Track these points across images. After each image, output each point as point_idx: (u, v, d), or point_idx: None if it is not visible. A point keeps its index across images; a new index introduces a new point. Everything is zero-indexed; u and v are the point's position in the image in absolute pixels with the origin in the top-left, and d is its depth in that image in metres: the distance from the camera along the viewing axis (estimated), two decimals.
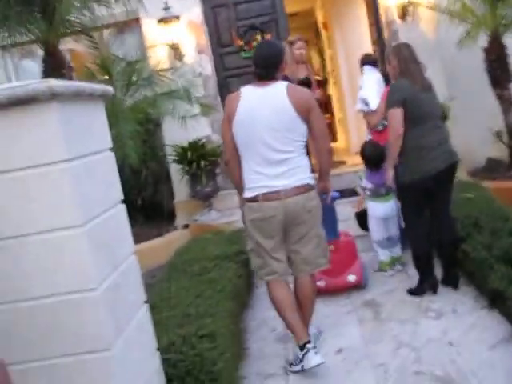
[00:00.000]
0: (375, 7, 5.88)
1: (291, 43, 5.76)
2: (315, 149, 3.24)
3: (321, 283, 3.97)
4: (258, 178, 3.01)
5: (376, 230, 4.54)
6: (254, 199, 3.04)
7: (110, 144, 2.26)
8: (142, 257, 2.48)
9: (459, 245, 3.97)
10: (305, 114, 2.99)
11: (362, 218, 4.67)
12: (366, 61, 5.33)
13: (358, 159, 5.52)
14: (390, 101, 3.76)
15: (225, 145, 3.22)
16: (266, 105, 2.97)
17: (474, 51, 5.96)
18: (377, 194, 4.48)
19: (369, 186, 4.48)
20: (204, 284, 3.70)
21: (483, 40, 6.02)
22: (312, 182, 3.12)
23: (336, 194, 3.75)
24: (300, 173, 3.03)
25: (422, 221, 3.96)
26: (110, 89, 2.27)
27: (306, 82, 5.65)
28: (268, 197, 2.98)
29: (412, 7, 6.45)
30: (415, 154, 3.72)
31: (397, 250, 4.60)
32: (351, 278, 4.13)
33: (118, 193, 2.28)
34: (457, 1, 6.02)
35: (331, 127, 10.59)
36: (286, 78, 5.52)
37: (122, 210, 2.28)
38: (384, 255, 4.56)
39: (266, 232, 3.04)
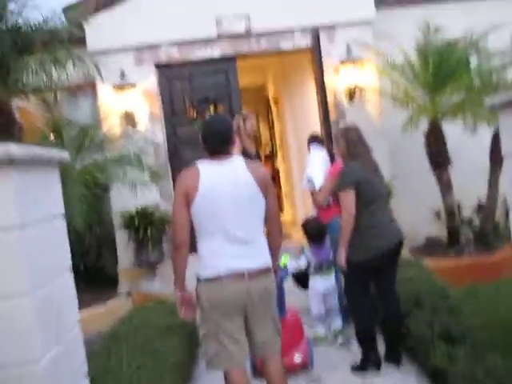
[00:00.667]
0: (322, 89, 6.17)
1: (244, 118, 5.91)
2: (267, 228, 3.09)
3: None
4: (221, 258, 2.85)
5: (316, 305, 4.63)
6: (215, 279, 2.85)
7: (62, 210, 2.24)
8: (81, 324, 2.40)
9: (403, 321, 4.04)
10: (264, 190, 2.93)
11: (300, 278, 4.71)
12: (313, 140, 5.46)
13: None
14: (342, 183, 3.88)
15: (177, 227, 2.88)
16: (228, 181, 2.87)
17: (416, 134, 6.33)
18: (319, 269, 4.59)
19: (303, 262, 4.58)
20: (146, 355, 3.59)
21: (425, 125, 6.41)
22: (271, 263, 3.01)
23: (284, 273, 3.78)
24: (263, 254, 2.95)
25: (367, 298, 4.03)
26: (66, 156, 2.26)
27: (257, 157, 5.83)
28: (230, 277, 2.83)
29: (359, 91, 6.81)
30: (368, 233, 3.83)
31: (337, 323, 4.67)
32: (298, 358, 4.04)
33: (66, 260, 2.24)
34: (399, 88, 6.43)
35: (278, 200, 10.80)
36: (244, 152, 5.74)
37: (69, 277, 2.23)
38: (322, 329, 4.63)
39: (225, 314, 2.86)
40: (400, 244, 3.96)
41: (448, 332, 3.67)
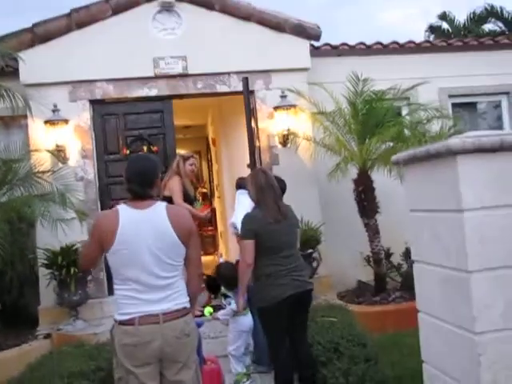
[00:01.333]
0: (250, 133, 6.26)
1: (185, 158, 5.93)
2: (187, 275, 3.05)
3: None
4: (136, 304, 2.80)
5: (236, 344, 4.63)
6: (128, 322, 2.77)
7: None
8: None
9: (315, 371, 4.00)
10: (185, 238, 2.90)
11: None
12: (240, 185, 5.44)
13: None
14: (242, 231, 3.88)
15: (85, 259, 3.04)
16: (147, 229, 2.82)
17: (346, 180, 6.47)
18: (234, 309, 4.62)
19: (234, 305, 4.54)
20: None
21: (354, 172, 6.57)
22: (188, 305, 2.95)
23: (200, 321, 3.74)
24: (180, 297, 2.89)
25: (284, 344, 3.96)
26: None
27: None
28: (145, 320, 2.76)
29: (292, 136, 6.93)
30: (263, 282, 3.80)
31: (248, 359, 4.75)
32: None
33: None
34: (331, 135, 6.60)
35: (214, 240, 10.75)
36: (185, 193, 5.72)
37: None
38: (240, 367, 4.64)
39: (138, 359, 2.76)
40: (304, 294, 3.88)
41: (362, 380, 3.68)
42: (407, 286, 6.56)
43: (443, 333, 2.35)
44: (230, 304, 4.58)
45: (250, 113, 6.27)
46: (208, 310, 4.86)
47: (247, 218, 3.91)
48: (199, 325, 3.68)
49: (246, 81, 6.21)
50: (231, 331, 4.67)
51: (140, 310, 2.78)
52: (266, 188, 3.90)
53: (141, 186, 2.87)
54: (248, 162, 6.39)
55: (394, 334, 5.50)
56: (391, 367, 4.29)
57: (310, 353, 4.05)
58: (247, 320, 4.64)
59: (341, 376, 3.85)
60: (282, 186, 5.01)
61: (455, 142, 2.09)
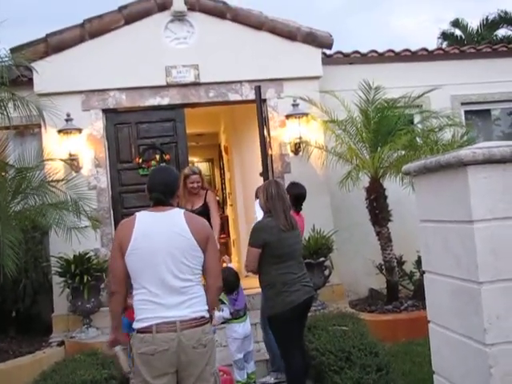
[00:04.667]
0: (263, 142, 6.28)
1: (186, 176, 5.79)
2: (206, 282, 3.05)
3: None
4: (153, 309, 2.80)
5: (235, 350, 4.72)
6: (146, 330, 2.78)
7: None
8: (5, 377, 2.25)
9: (308, 372, 4.18)
10: (202, 243, 2.91)
11: None
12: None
13: (249, 281, 5.67)
14: (251, 238, 3.96)
15: (112, 274, 2.94)
16: (163, 229, 2.87)
17: (358, 188, 6.46)
18: (236, 316, 4.73)
19: (227, 313, 4.68)
20: None
21: (366, 180, 6.56)
22: (207, 314, 2.94)
23: (213, 328, 3.74)
24: (197, 304, 2.88)
25: (297, 351, 4.02)
26: None
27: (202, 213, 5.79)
28: (162, 328, 2.76)
29: (304, 144, 6.94)
30: (279, 289, 3.87)
31: (251, 366, 4.82)
32: None
33: None
34: (343, 144, 6.59)
35: (227, 247, 10.74)
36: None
37: None
38: (240, 376, 4.70)
39: (156, 369, 2.76)
40: (310, 300, 4.08)
41: None
42: (420, 295, 6.53)
43: (454, 344, 2.34)
44: (222, 311, 4.66)
45: (263, 121, 6.28)
46: None
47: (259, 226, 4.00)
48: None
49: (258, 89, 6.23)
50: (228, 338, 4.80)
51: (157, 315, 2.79)
52: (276, 198, 3.99)
53: (163, 194, 2.97)
54: (260, 170, 6.41)
55: (406, 342, 5.48)
56: (403, 377, 4.26)
57: (304, 355, 4.17)
58: (242, 327, 4.74)
59: None
60: (302, 191, 5.11)
61: (465, 153, 2.08)
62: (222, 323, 4.76)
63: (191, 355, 2.80)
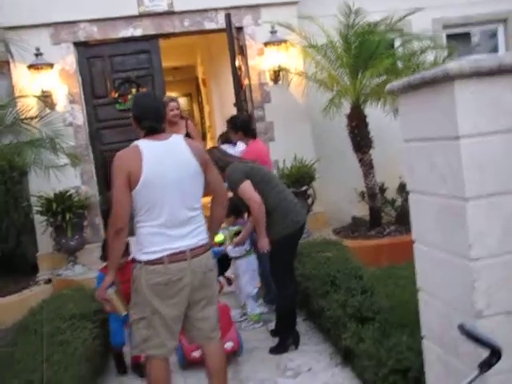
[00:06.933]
0: (234, 71, 6.12)
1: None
2: (213, 200, 3.09)
3: (197, 353, 3.82)
4: (162, 240, 2.79)
5: (251, 284, 4.70)
6: (157, 261, 2.77)
7: None
8: None
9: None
10: (204, 166, 2.92)
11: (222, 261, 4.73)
12: (223, 140, 5.59)
13: None
14: (234, 180, 3.91)
15: (120, 209, 2.74)
16: (172, 158, 2.82)
17: (340, 115, 6.39)
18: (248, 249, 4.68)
19: (247, 245, 4.62)
20: (54, 347, 3.47)
21: (347, 107, 6.48)
22: (208, 241, 3.01)
23: (216, 252, 3.76)
24: (202, 232, 2.93)
25: (291, 278, 4.13)
26: None
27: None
28: (174, 258, 2.77)
29: (283, 73, 6.79)
30: (283, 210, 3.94)
31: (260, 300, 4.86)
32: (228, 345, 3.97)
33: None
34: (323, 70, 6.46)
35: None
36: None
37: None
38: (258, 308, 4.75)
39: (169, 298, 2.79)
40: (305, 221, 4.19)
41: (359, 312, 3.74)
42: (402, 220, 6.62)
43: (439, 261, 2.36)
44: (243, 245, 4.59)
45: (234, 50, 6.10)
46: (219, 237, 4.58)
47: (230, 170, 3.98)
48: (216, 253, 3.78)
49: (228, 17, 6.04)
50: (245, 271, 4.69)
51: (167, 246, 2.78)
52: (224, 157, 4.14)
53: (156, 120, 2.88)
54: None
55: (389, 267, 5.57)
56: (386, 298, 4.36)
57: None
58: (254, 258, 4.74)
59: (338, 308, 3.91)
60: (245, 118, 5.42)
61: (452, 66, 2.02)
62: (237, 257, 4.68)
63: (202, 280, 2.88)
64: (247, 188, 3.85)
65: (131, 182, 2.73)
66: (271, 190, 3.95)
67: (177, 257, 2.79)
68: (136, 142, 2.85)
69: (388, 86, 2.62)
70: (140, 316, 2.85)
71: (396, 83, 2.53)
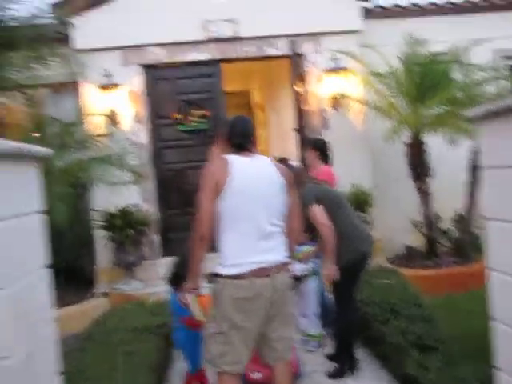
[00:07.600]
0: (295, 96, 6.22)
1: None
2: (289, 224, 3.04)
3: (257, 375, 3.82)
4: (247, 253, 2.80)
5: (314, 304, 4.67)
6: (241, 276, 2.77)
7: (40, 207, 2.22)
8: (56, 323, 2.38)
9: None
10: (288, 187, 2.97)
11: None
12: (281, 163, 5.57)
13: None
14: (305, 201, 3.84)
15: (204, 217, 2.78)
16: (261, 175, 2.88)
17: (398, 144, 6.38)
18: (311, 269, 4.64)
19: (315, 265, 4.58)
20: (121, 356, 3.57)
21: (406, 135, 6.47)
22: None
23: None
24: (283, 249, 2.95)
25: (353, 302, 4.10)
26: (49, 152, 2.25)
27: None
28: (259, 273, 2.78)
29: (343, 100, 6.85)
30: (349, 236, 3.91)
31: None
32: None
33: (42, 257, 2.22)
34: (384, 98, 6.49)
35: None
36: None
37: (45, 274, 2.21)
38: (318, 329, 4.68)
39: (250, 313, 2.79)
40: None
41: (421, 340, 3.71)
42: (459, 252, 6.52)
43: None
44: (307, 264, 4.57)
45: (297, 76, 6.20)
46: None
47: (303, 191, 3.91)
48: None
49: (292, 43, 6.15)
50: (309, 292, 4.66)
51: (253, 260, 2.79)
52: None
53: (245, 139, 2.98)
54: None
55: (448, 297, 5.49)
56: (449, 328, 4.29)
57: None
58: (319, 282, 4.66)
59: (399, 335, 3.88)
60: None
61: None
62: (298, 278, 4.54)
63: (281, 297, 2.87)
64: (317, 212, 3.87)
65: (219, 191, 2.77)
66: (337, 217, 3.92)
67: (261, 272, 2.79)
68: (224, 155, 2.92)
69: (469, 114, 2.65)
70: (218, 330, 2.83)
71: (478, 110, 2.55)
